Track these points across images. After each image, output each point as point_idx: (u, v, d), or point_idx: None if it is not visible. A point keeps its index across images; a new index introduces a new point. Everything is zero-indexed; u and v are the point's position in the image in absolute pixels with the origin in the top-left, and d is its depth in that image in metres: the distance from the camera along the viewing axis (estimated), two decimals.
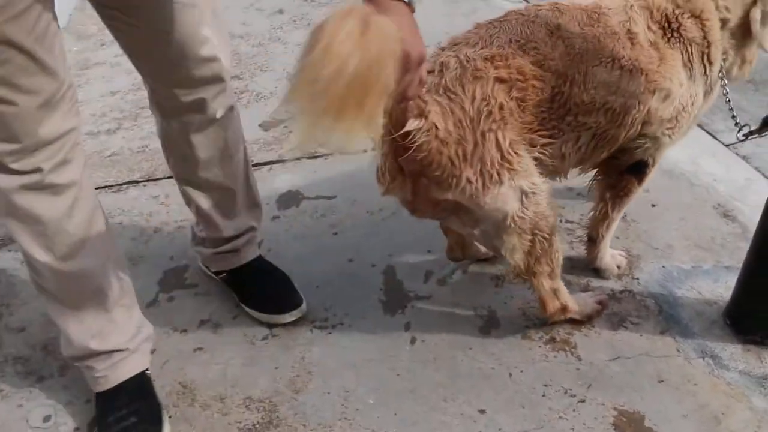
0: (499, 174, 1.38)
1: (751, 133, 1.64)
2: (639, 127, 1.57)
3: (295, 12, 3.71)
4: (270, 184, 2.28)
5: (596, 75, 1.46)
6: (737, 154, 2.38)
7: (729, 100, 1.64)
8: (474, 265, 1.92)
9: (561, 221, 2.02)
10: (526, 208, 1.43)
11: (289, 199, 2.26)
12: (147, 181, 2.42)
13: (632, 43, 1.50)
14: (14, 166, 1.30)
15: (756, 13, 1.57)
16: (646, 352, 1.64)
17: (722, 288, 1.79)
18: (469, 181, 1.37)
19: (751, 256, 1.63)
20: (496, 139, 1.38)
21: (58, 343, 1.77)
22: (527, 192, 1.42)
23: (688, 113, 1.61)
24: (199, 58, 1.46)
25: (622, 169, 1.69)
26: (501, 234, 1.47)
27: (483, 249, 1.89)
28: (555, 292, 1.61)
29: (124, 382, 1.57)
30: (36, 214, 1.36)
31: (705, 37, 1.56)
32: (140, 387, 1.59)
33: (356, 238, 2.06)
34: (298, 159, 2.46)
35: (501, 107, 1.38)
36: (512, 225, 1.44)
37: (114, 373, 1.56)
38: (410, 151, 1.32)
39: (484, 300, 1.81)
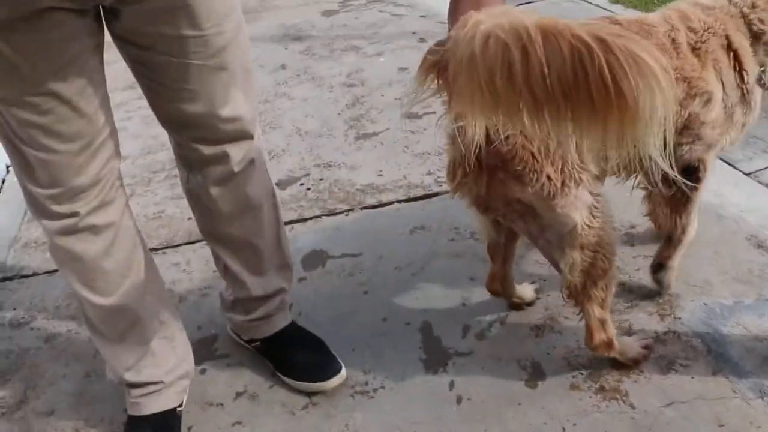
0: (579, 174, 1.39)
1: None
2: (676, 128, 1.58)
3: (298, 66, 3.74)
4: (293, 244, 2.23)
5: None
6: (759, 182, 2.36)
7: None
8: (511, 316, 1.88)
9: None
10: (594, 217, 1.42)
11: (314, 258, 2.22)
12: (166, 248, 2.39)
13: (677, 53, 1.53)
14: (54, 208, 1.37)
15: None
16: (700, 395, 1.59)
17: None
18: (549, 177, 1.36)
19: None
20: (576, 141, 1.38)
21: (90, 426, 1.73)
22: (595, 201, 1.42)
23: (728, 117, 1.62)
24: (223, 118, 1.46)
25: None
26: (564, 246, 1.45)
27: (518, 291, 1.86)
28: (603, 323, 1.58)
29: (153, 414, 1.62)
30: (75, 253, 1.44)
31: (738, 46, 1.58)
32: (166, 424, 1.64)
33: (387, 296, 2.01)
34: (318, 217, 2.43)
35: None
36: (578, 237, 1.43)
37: (146, 403, 1.62)
38: (495, 144, 1.29)
39: (525, 351, 1.77)
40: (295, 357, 1.76)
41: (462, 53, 1.00)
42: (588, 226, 1.42)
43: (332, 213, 2.44)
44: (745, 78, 1.59)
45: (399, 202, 2.49)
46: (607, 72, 0.92)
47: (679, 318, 1.80)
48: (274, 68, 3.75)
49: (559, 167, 1.37)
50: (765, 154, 2.49)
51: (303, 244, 2.28)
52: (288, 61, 3.82)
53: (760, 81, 1.60)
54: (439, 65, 1.09)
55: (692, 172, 1.68)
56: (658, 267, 1.85)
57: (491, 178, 1.40)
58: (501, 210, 1.50)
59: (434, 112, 3.06)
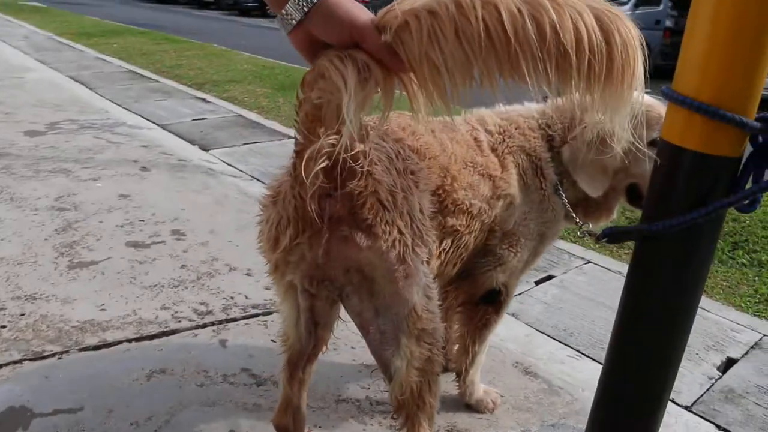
0: (427, 236, 1.24)
1: (590, 233, 1.57)
2: (485, 235, 1.52)
3: None
4: None
5: (465, 177, 1.44)
6: (507, 313, 2.39)
7: (568, 205, 1.59)
8: None
9: None
10: (430, 300, 1.24)
11: (11, 419, 1.61)
12: None
13: (481, 150, 1.51)
14: None
15: (565, 152, 1.58)
16: None
17: None
18: (400, 232, 1.16)
19: None
20: (419, 199, 1.24)
21: None
22: (429, 282, 1.25)
23: (526, 227, 1.57)
24: None
25: (477, 300, 1.63)
26: (401, 335, 1.22)
27: None
28: None
29: None
30: None
31: (534, 151, 1.57)
32: None
33: None
34: (18, 362, 1.83)
35: (420, 170, 1.31)
36: (417, 322, 1.22)
37: None
38: (350, 182, 1.11)
39: None
40: None
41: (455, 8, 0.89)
42: (426, 310, 1.23)
43: (39, 357, 1.86)
44: (543, 183, 1.57)
45: (129, 341, 2.01)
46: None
47: None
48: None
49: (408, 222, 1.19)
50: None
51: None
52: None
53: (557, 190, 1.59)
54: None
55: (494, 295, 1.63)
56: (468, 406, 1.79)
57: (333, 234, 1.16)
58: (339, 280, 1.23)
59: (164, 242, 2.69)
